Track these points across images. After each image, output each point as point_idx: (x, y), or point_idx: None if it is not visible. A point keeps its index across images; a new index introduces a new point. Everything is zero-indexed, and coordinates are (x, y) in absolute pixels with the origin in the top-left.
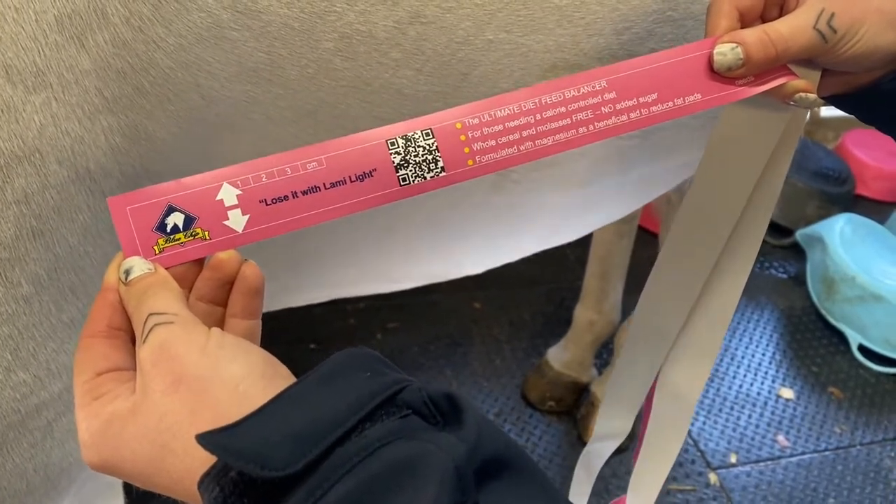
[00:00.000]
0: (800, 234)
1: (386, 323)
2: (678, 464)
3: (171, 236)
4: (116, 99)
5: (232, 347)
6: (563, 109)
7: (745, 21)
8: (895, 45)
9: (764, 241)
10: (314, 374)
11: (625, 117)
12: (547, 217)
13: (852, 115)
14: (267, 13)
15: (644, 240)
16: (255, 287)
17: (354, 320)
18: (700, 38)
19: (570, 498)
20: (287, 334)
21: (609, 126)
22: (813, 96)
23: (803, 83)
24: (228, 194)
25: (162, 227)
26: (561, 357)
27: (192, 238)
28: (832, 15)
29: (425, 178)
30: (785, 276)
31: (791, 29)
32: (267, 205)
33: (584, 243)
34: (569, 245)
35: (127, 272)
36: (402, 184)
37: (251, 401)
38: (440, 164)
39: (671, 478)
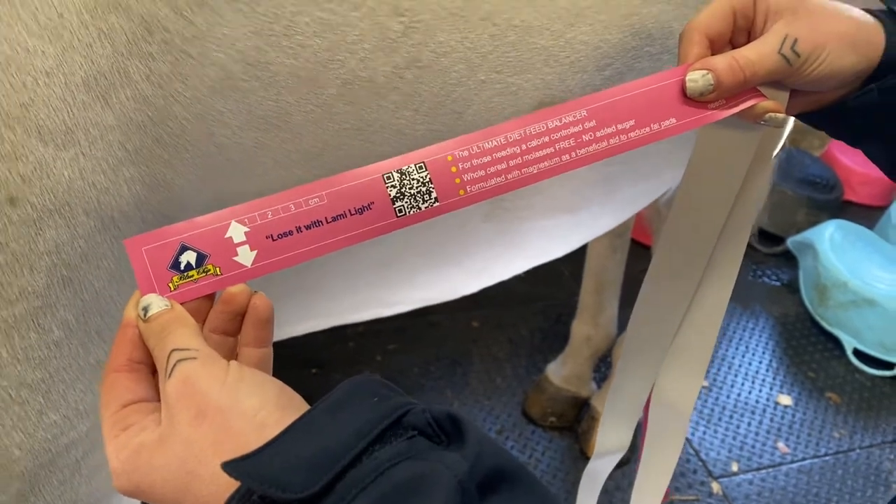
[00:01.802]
0: (791, 242)
1: (386, 345)
2: (680, 474)
3: (185, 273)
4: (137, 151)
5: (249, 380)
6: (546, 139)
7: (714, 48)
8: (856, 66)
9: (756, 250)
10: (325, 403)
11: (605, 143)
12: (536, 240)
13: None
14: (275, 64)
15: (637, 253)
16: (266, 317)
17: (354, 344)
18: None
19: None
20: (288, 360)
21: (591, 152)
22: (782, 115)
23: (772, 104)
24: (237, 231)
25: (176, 265)
26: (560, 372)
27: (204, 274)
28: (796, 40)
29: (420, 208)
30: (778, 283)
31: (758, 54)
32: (273, 240)
33: (578, 259)
34: (564, 261)
35: (145, 309)
36: (398, 215)
37: (269, 429)
38: (433, 194)
39: (674, 488)
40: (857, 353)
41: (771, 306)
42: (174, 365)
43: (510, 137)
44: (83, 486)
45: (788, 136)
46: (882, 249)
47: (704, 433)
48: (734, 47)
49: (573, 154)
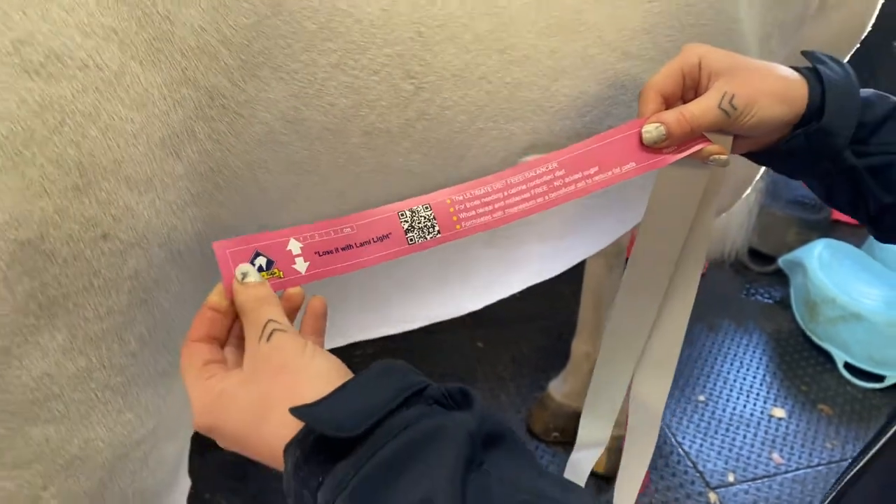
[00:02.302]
0: (782, 261)
1: None
2: (679, 485)
3: (259, 272)
4: (199, 195)
5: (321, 354)
6: (523, 186)
7: (668, 103)
8: (784, 116)
9: (749, 269)
10: (367, 374)
11: (573, 187)
12: (532, 263)
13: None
14: (308, 120)
15: None
16: (322, 312)
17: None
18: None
19: None
20: None
21: (560, 195)
22: (724, 157)
23: (716, 147)
24: (295, 246)
25: (252, 264)
26: (561, 389)
27: (271, 276)
28: (733, 96)
29: (426, 238)
30: (770, 301)
31: (701, 109)
32: (319, 255)
33: (578, 279)
34: (564, 281)
35: (244, 274)
36: (409, 243)
37: (331, 388)
38: (436, 228)
39: (673, 499)
40: (847, 366)
41: (764, 323)
42: (271, 332)
43: (494, 187)
44: (150, 478)
45: None
46: (869, 266)
47: (701, 445)
48: (684, 102)
49: (546, 197)
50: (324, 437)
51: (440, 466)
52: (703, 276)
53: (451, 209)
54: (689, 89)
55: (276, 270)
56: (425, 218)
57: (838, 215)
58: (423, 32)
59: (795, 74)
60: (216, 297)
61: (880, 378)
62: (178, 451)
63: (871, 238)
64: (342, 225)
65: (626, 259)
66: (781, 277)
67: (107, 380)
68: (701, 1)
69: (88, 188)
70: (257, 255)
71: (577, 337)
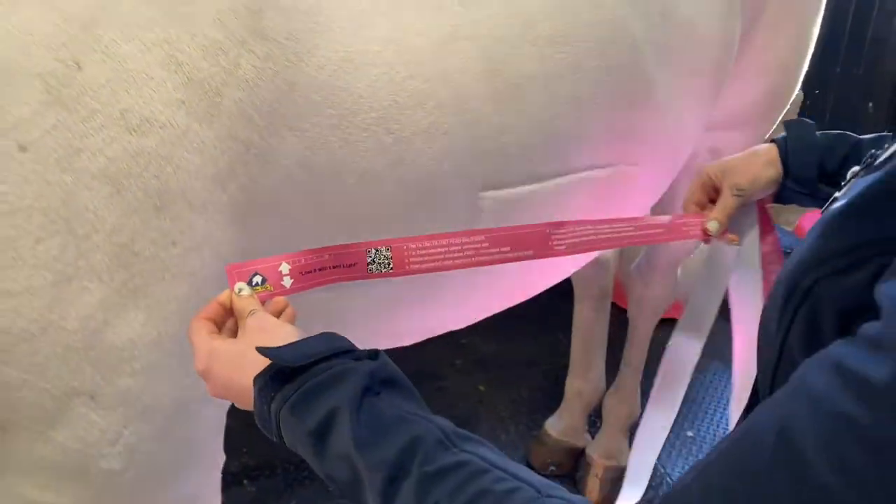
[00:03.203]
0: None
1: None
2: None
3: (254, 286)
4: (239, 217)
5: (288, 324)
6: (458, 248)
7: (700, 206)
8: (774, 175)
9: None
10: (319, 335)
11: (489, 257)
12: (503, 286)
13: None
14: (317, 165)
15: (616, 315)
16: (293, 317)
17: None
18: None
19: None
20: None
21: (483, 259)
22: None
23: (713, 225)
24: (285, 267)
25: (250, 282)
26: (557, 426)
27: (264, 289)
28: (736, 184)
29: (381, 271)
30: None
31: (724, 203)
32: (302, 275)
33: (571, 327)
34: (560, 328)
35: (240, 289)
36: (368, 272)
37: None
38: (391, 265)
39: None
40: None
41: None
42: (251, 313)
43: (439, 243)
44: (196, 431)
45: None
46: None
47: None
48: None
49: (472, 259)
50: (280, 370)
51: (346, 390)
52: None
53: (406, 254)
54: (712, 190)
55: (268, 286)
56: (385, 257)
57: None
58: (398, 101)
59: (771, 144)
60: (223, 296)
61: None
62: (218, 415)
63: None
64: (322, 253)
65: (612, 303)
66: None
67: (171, 349)
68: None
69: (164, 209)
70: (255, 274)
71: (569, 375)
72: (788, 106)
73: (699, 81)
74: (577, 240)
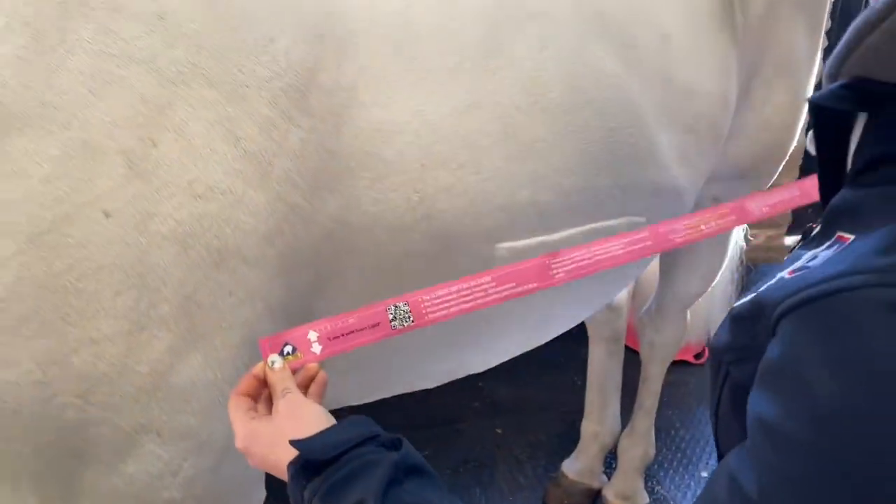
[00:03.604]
0: None
1: (420, 451)
2: None
3: (286, 355)
4: (286, 270)
5: (316, 406)
6: (468, 292)
7: None
8: None
9: None
10: (344, 420)
11: (497, 295)
12: (521, 330)
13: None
14: (352, 223)
15: (630, 358)
16: (324, 381)
17: None
18: None
19: None
20: None
21: (490, 299)
22: None
23: None
24: (313, 335)
25: (282, 352)
26: (574, 467)
27: (295, 357)
28: None
29: (404, 325)
30: None
31: None
32: (329, 340)
33: (587, 371)
34: (576, 373)
35: (273, 362)
36: (392, 328)
37: (320, 429)
38: (412, 318)
39: None
40: None
41: None
42: (286, 393)
43: (451, 290)
44: (249, 470)
45: (754, 255)
46: None
47: None
48: None
49: (481, 300)
50: (309, 459)
51: (372, 481)
52: (702, 362)
53: (423, 306)
54: None
55: (298, 354)
56: (404, 312)
57: None
58: (424, 164)
59: None
60: (258, 370)
61: None
62: None
63: None
64: (347, 318)
65: (625, 346)
66: None
67: (225, 390)
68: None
69: (222, 264)
70: (286, 344)
71: (585, 418)
72: (788, 157)
73: (698, 138)
74: (573, 265)
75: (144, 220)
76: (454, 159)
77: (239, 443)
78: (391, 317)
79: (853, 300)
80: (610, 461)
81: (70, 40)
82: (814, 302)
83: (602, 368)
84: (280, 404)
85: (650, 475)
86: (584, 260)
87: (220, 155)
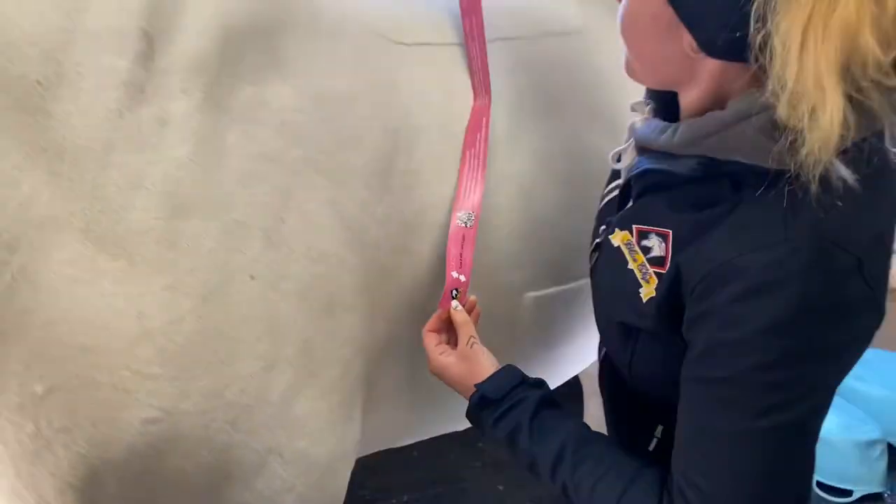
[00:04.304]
0: None
1: None
2: None
3: (455, 296)
4: (365, 339)
5: (488, 355)
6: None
7: None
8: None
9: None
10: (502, 370)
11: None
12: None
13: None
14: (374, 261)
15: None
16: (479, 313)
17: None
18: None
19: None
20: None
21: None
22: None
23: None
24: (454, 274)
25: (454, 296)
26: None
27: (460, 294)
28: None
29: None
30: None
31: None
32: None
33: None
34: None
35: (455, 307)
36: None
37: (491, 372)
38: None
39: None
40: (819, 483)
41: None
42: (471, 343)
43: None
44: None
45: None
46: None
47: None
48: None
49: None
50: (484, 395)
51: (525, 412)
52: None
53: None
54: None
55: (459, 291)
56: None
57: None
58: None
59: None
60: (444, 314)
61: (849, 493)
62: (349, 473)
63: None
64: (450, 273)
65: None
66: None
67: (331, 419)
68: None
69: (331, 312)
70: (453, 290)
71: None
72: None
73: None
74: None
75: (277, 281)
76: (486, 226)
77: (432, 370)
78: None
79: None
80: None
81: (223, 145)
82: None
83: (597, 423)
84: (466, 350)
85: None
86: None
87: (328, 227)
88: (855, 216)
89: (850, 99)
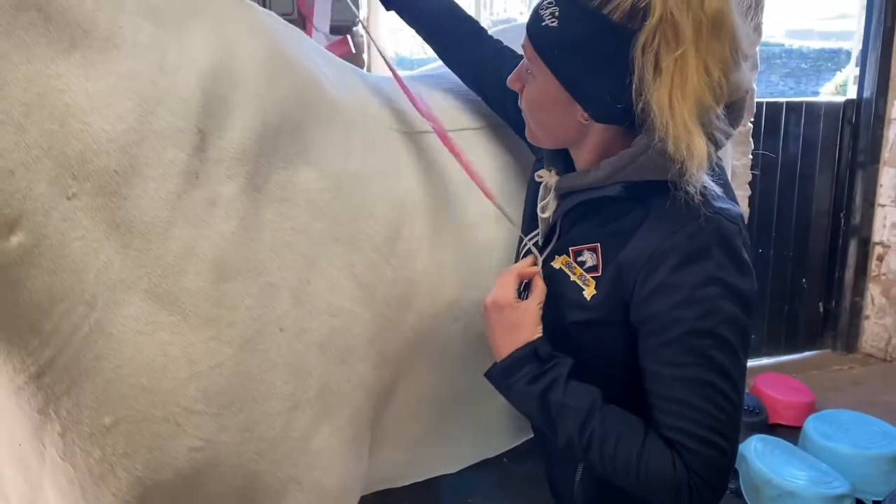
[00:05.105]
0: None
1: None
2: None
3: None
4: (377, 382)
5: (538, 324)
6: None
7: None
8: None
9: None
10: (543, 339)
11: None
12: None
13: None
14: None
15: None
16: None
17: None
18: None
19: None
20: None
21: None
22: None
23: None
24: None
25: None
26: None
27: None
28: None
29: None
30: (728, 491)
31: None
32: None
33: None
34: None
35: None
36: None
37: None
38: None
39: None
40: None
41: None
42: (540, 307)
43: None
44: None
45: None
46: (798, 455)
47: None
48: None
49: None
50: (525, 354)
51: (558, 373)
52: None
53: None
54: None
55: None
56: None
57: (777, 419)
58: (464, 285)
59: None
60: (524, 269)
61: None
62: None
63: (803, 435)
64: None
65: None
66: (734, 472)
67: (342, 452)
68: None
69: (345, 361)
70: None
71: None
72: None
73: None
74: None
75: (302, 333)
76: (477, 284)
77: (498, 302)
78: None
79: None
80: None
81: (261, 221)
82: None
83: None
84: (534, 307)
85: None
86: None
87: (345, 287)
88: (723, 202)
89: (708, 137)
